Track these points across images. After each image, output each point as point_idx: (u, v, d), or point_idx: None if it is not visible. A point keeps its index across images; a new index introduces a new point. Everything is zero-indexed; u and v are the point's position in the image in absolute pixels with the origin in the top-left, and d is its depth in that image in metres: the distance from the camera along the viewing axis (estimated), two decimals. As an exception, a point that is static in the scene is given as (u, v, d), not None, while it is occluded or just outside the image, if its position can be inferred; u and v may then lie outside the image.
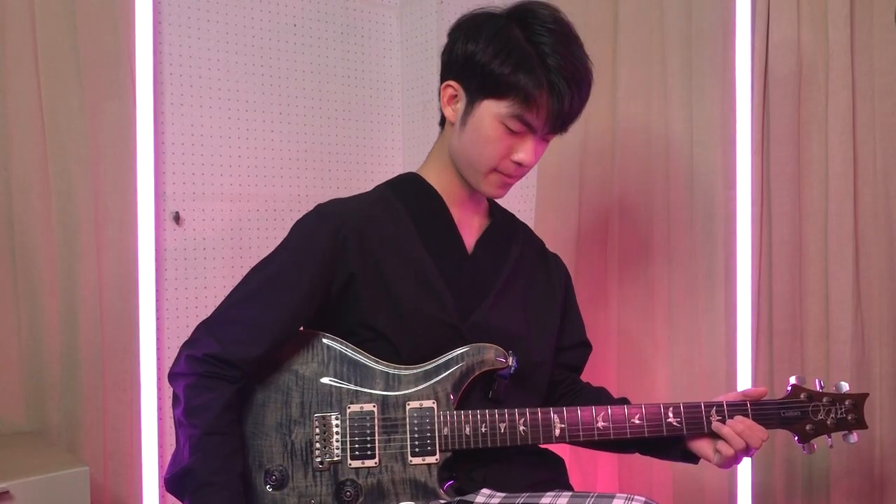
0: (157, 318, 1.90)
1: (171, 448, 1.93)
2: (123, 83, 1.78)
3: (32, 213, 1.67)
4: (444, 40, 1.25)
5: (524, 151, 1.18)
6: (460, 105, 1.20)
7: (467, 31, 1.19)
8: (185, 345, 1.16)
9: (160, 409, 1.90)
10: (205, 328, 1.17)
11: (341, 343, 1.19)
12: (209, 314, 1.19)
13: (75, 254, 1.71)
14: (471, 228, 1.29)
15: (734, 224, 1.68)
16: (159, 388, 1.89)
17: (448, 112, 1.22)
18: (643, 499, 1.04)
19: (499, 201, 1.36)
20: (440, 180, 1.27)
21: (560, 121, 1.17)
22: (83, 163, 1.72)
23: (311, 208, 1.25)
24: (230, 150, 2.05)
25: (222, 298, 1.21)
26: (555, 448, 1.34)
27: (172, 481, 1.11)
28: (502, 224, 1.33)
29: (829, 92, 1.54)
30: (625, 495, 1.04)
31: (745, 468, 1.68)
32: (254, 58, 2.09)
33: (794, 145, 1.59)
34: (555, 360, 1.34)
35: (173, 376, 1.15)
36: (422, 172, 1.30)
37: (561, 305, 1.36)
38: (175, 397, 1.14)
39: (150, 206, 1.87)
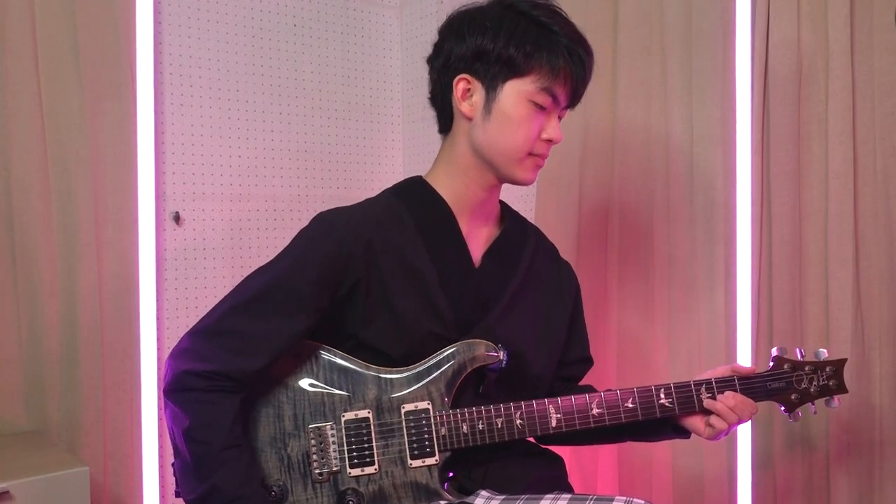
0: (157, 318, 1.90)
1: (170, 448, 1.92)
2: (123, 83, 1.79)
3: (32, 213, 1.67)
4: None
5: (552, 127, 1.19)
6: (477, 97, 1.19)
7: (467, 27, 1.19)
8: (177, 357, 1.11)
9: (160, 409, 1.90)
10: (201, 339, 1.11)
11: (328, 350, 1.17)
12: (199, 321, 1.14)
13: (75, 254, 1.71)
14: (479, 240, 1.26)
15: (734, 224, 1.68)
16: (159, 388, 1.89)
17: (465, 107, 1.20)
18: (643, 501, 1.04)
19: (506, 202, 1.35)
20: (450, 187, 1.24)
21: (581, 87, 1.21)
22: (83, 163, 1.72)
23: (310, 208, 1.24)
24: (230, 150, 2.05)
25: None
26: (554, 447, 1.34)
27: (197, 502, 1.08)
28: (513, 233, 1.31)
29: (829, 92, 1.54)
30: (624, 498, 1.04)
31: (744, 467, 1.68)
32: (254, 58, 2.09)
33: (794, 145, 1.59)
34: (555, 373, 1.33)
35: (171, 392, 1.10)
36: (430, 179, 1.26)
37: (569, 318, 1.34)
38: (174, 414, 1.10)
39: (150, 206, 1.87)
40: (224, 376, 1.08)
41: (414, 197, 1.24)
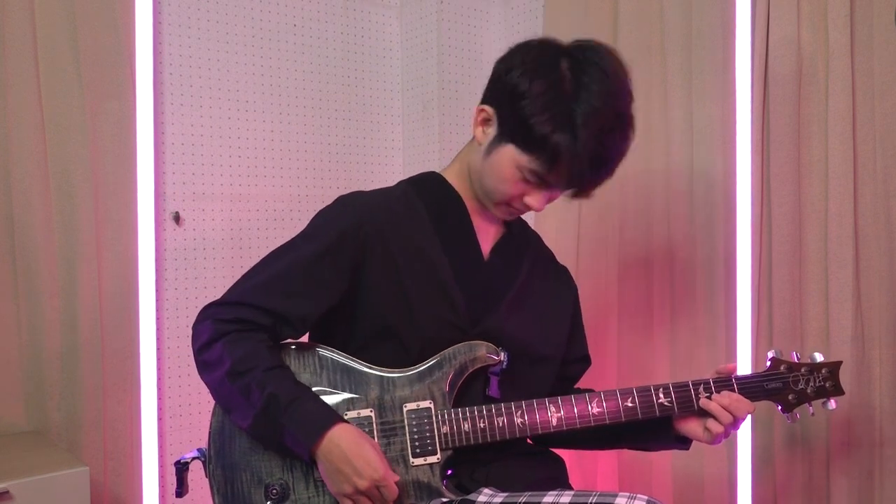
0: (157, 318, 1.90)
1: (170, 448, 1.93)
2: (123, 83, 1.78)
3: (32, 213, 1.67)
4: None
5: (534, 199, 1.17)
6: (490, 131, 1.17)
7: (531, 62, 1.12)
8: (202, 320, 1.16)
9: (160, 409, 1.90)
10: (223, 307, 1.16)
11: (332, 351, 1.18)
12: (221, 296, 1.18)
13: (75, 254, 1.71)
14: (487, 235, 1.28)
15: (734, 224, 1.68)
16: (159, 388, 1.89)
17: (478, 133, 1.20)
18: (646, 498, 1.04)
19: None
20: (462, 186, 1.26)
21: (576, 192, 1.18)
22: (83, 163, 1.72)
23: (310, 208, 1.25)
24: (230, 150, 2.05)
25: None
26: (555, 449, 1.34)
27: (261, 418, 1.08)
28: (517, 233, 1.33)
29: (829, 92, 1.54)
30: (627, 494, 1.04)
31: (744, 467, 1.68)
32: (254, 58, 2.09)
33: (794, 145, 1.59)
34: (557, 371, 1.34)
35: (206, 347, 1.14)
36: (446, 175, 1.28)
37: (570, 321, 1.36)
38: (209, 365, 1.13)
39: (150, 206, 1.87)
40: (252, 322, 1.14)
41: (430, 191, 1.27)
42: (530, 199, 1.17)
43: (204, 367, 1.15)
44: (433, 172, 1.30)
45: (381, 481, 1.05)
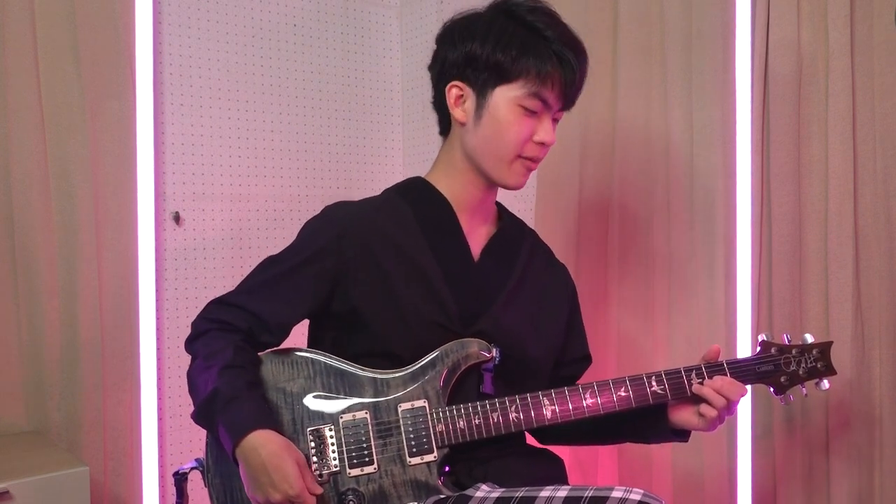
0: (157, 318, 1.90)
1: (171, 448, 1.93)
2: (123, 83, 1.79)
3: (32, 213, 1.68)
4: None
5: (544, 130, 1.20)
6: (469, 103, 1.21)
7: (458, 33, 1.21)
8: (197, 317, 1.23)
9: (160, 409, 1.90)
10: (216, 305, 1.23)
11: (325, 355, 1.19)
12: (222, 294, 1.25)
13: (75, 254, 1.72)
14: (478, 236, 1.29)
15: (734, 224, 1.68)
16: (159, 388, 1.90)
17: (458, 113, 1.22)
18: (641, 491, 1.04)
19: (506, 204, 1.37)
20: (449, 187, 1.27)
21: (572, 91, 1.21)
22: (83, 163, 1.73)
23: (310, 208, 1.26)
24: (230, 150, 2.06)
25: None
26: (554, 448, 1.34)
27: (200, 409, 1.12)
28: (510, 231, 1.33)
29: (829, 92, 1.54)
30: (623, 488, 1.05)
31: (744, 466, 1.68)
32: (254, 58, 2.09)
33: (794, 145, 1.59)
34: (555, 372, 1.34)
35: (189, 342, 1.21)
36: (430, 179, 1.29)
37: (566, 320, 1.36)
38: (192, 358, 1.19)
39: (150, 207, 1.87)
40: (229, 324, 1.19)
41: (415, 195, 1.28)
42: (540, 134, 1.20)
43: (190, 348, 1.21)
44: (418, 177, 1.31)
45: (295, 498, 1.04)
